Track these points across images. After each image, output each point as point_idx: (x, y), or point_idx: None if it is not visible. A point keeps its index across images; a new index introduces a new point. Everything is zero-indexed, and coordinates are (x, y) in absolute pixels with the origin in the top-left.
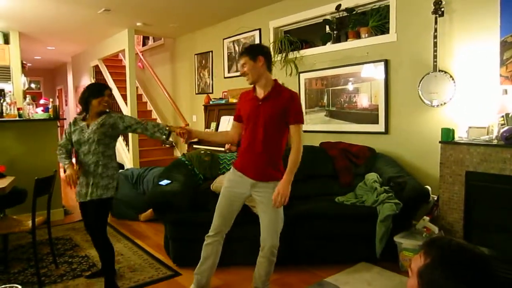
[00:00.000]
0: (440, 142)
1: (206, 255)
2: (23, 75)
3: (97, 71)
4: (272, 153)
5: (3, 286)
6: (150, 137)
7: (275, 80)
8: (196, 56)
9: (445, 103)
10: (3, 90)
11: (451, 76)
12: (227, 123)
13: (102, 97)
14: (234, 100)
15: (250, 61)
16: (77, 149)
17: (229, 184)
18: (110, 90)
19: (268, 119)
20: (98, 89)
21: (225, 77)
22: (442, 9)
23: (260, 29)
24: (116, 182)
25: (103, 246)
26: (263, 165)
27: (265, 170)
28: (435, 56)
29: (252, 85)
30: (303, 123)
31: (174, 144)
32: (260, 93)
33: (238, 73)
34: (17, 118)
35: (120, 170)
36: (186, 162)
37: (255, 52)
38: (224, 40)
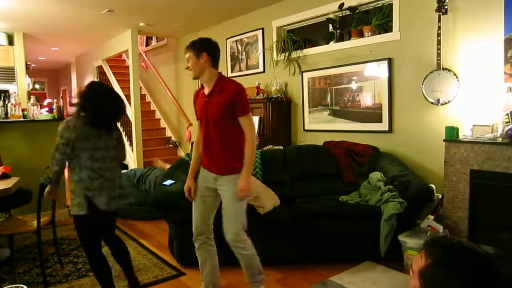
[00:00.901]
0: (444, 140)
1: (201, 260)
2: (27, 76)
3: (100, 72)
4: (231, 148)
5: (9, 286)
6: None
7: (219, 74)
8: None
9: (449, 101)
10: (7, 91)
11: (455, 74)
12: None
13: None
14: None
15: (194, 57)
16: None
17: (199, 182)
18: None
19: (216, 116)
20: None
21: (228, 77)
22: (446, 7)
23: (263, 29)
24: (82, 200)
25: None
26: (224, 161)
27: (226, 165)
28: (438, 54)
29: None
30: (249, 112)
31: (177, 144)
32: (206, 89)
33: (241, 73)
34: (22, 119)
35: (124, 171)
36: (190, 161)
37: (199, 49)
38: (227, 40)
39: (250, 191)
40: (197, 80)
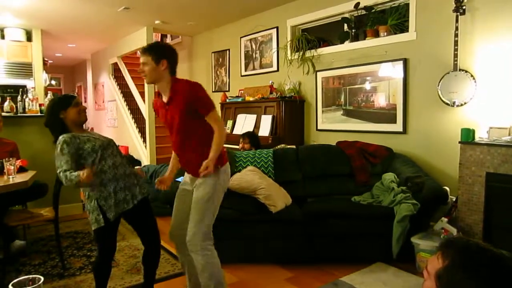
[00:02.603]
0: (459, 142)
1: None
2: (44, 71)
3: (116, 69)
4: (199, 151)
5: (25, 276)
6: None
7: (173, 78)
8: (213, 54)
9: (465, 103)
10: (25, 86)
11: (472, 76)
12: (243, 121)
13: None
14: (251, 99)
15: (152, 63)
16: None
17: (181, 183)
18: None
19: (178, 122)
20: None
21: (242, 75)
22: (464, 7)
23: (277, 27)
24: (96, 217)
25: None
26: (195, 164)
27: (198, 168)
28: (455, 55)
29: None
30: (214, 107)
31: None
32: (164, 97)
33: (255, 72)
34: (39, 114)
35: (137, 167)
36: None
37: (160, 55)
38: (241, 39)
39: (210, 172)
40: (211, 80)
